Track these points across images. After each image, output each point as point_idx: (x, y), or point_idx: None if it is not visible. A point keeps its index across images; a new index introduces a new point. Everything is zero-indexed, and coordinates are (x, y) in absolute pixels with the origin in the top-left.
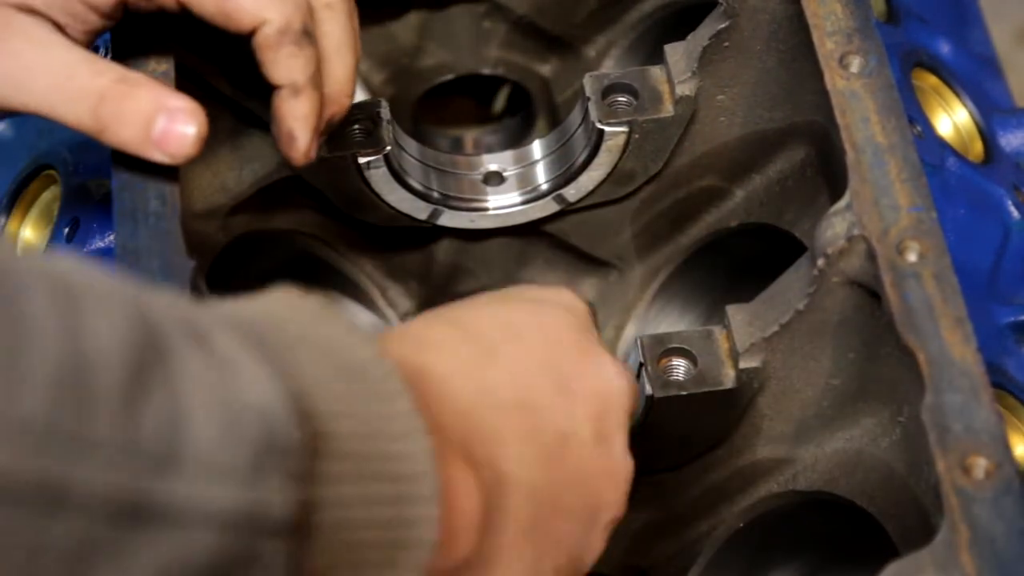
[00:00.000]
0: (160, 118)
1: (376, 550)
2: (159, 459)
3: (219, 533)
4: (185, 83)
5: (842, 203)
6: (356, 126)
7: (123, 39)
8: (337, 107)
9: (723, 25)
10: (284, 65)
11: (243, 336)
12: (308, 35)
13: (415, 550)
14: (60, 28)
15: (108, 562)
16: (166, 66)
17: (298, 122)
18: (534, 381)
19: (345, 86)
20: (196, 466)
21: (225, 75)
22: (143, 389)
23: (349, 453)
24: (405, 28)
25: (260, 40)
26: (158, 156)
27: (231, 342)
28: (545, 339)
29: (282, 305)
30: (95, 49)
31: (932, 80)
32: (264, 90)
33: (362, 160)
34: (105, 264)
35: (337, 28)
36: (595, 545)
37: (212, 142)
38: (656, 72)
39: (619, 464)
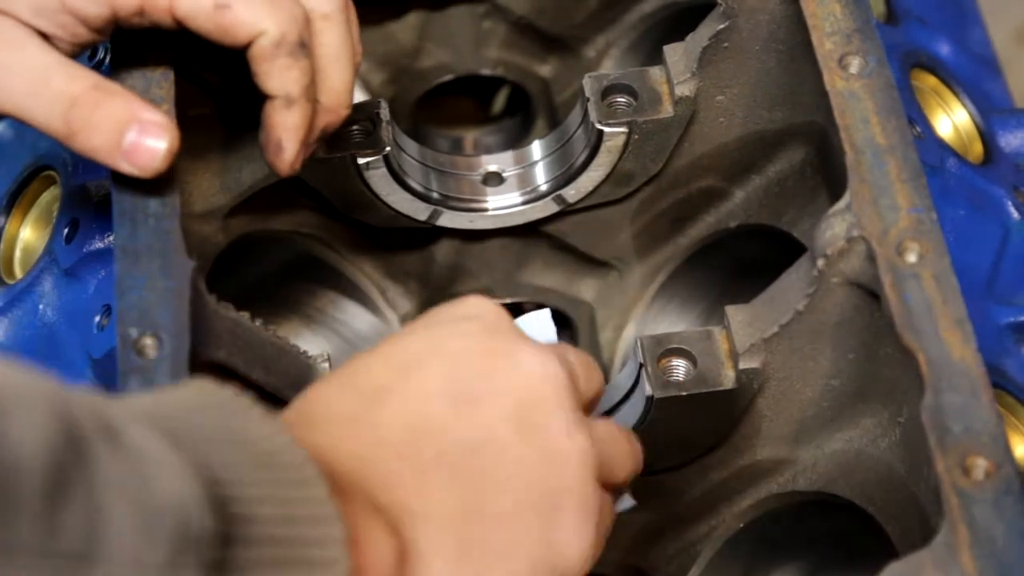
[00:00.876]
0: (131, 129)
1: None
2: (79, 558)
3: None
4: (185, 83)
5: (842, 204)
6: (355, 127)
7: (122, 43)
8: (334, 117)
9: (722, 26)
10: (278, 77)
11: (157, 430)
12: (304, 47)
13: None
14: (47, 39)
15: None
16: (165, 70)
17: (288, 132)
18: (428, 407)
19: (342, 97)
20: (115, 563)
21: (223, 82)
22: (63, 493)
23: (268, 538)
24: (405, 29)
25: (255, 51)
26: (126, 167)
27: (145, 437)
28: (444, 359)
29: (197, 397)
30: (93, 52)
31: (931, 81)
32: (261, 97)
33: (361, 161)
34: (20, 360)
35: (335, 39)
36: (568, 534)
37: (212, 143)
38: (655, 73)
39: (563, 445)
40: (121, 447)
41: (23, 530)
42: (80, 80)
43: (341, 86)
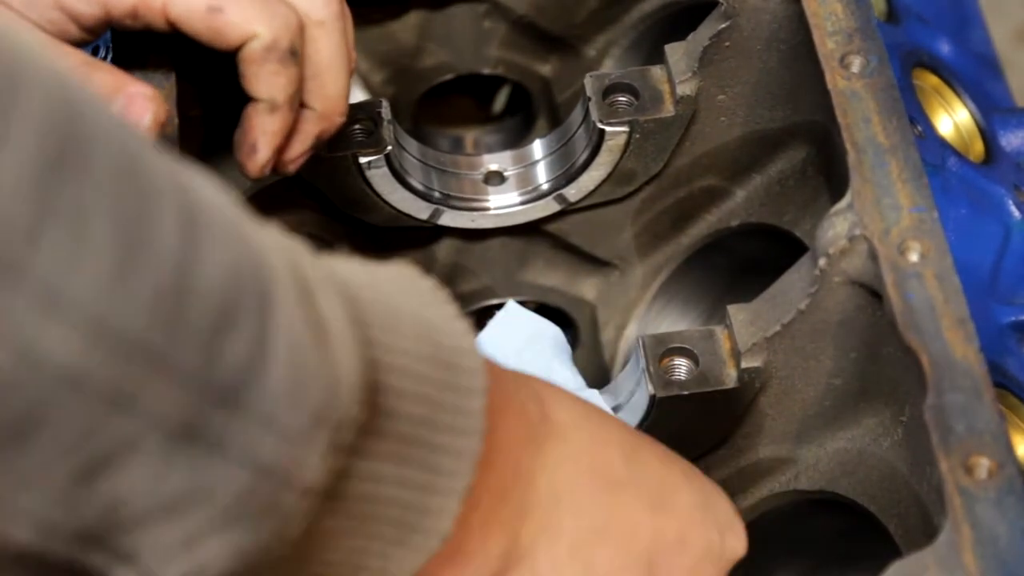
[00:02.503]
0: (117, 100)
1: (392, 527)
2: (225, 394)
3: (252, 475)
4: (185, 83)
5: (843, 203)
6: (357, 126)
7: (124, 42)
8: (328, 124)
9: (724, 25)
10: (265, 82)
11: (346, 301)
12: (294, 55)
13: (428, 537)
14: None
15: (142, 468)
16: (166, 70)
17: (265, 137)
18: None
19: (337, 104)
20: (255, 412)
21: (215, 84)
22: (234, 326)
23: (402, 435)
24: (405, 28)
25: (246, 54)
26: None
27: (332, 305)
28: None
29: (399, 278)
30: (95, 49)
31: (933, 80)
32: (246, 99)
33: (363, 160)
34: (234, 196)
35: (329, 45)
36: None
37: (212, 142)
38: (657, 72)
39: None
40: (307, 305)
41: (187, 350)
42: (69, 56)
43: (335, 93)
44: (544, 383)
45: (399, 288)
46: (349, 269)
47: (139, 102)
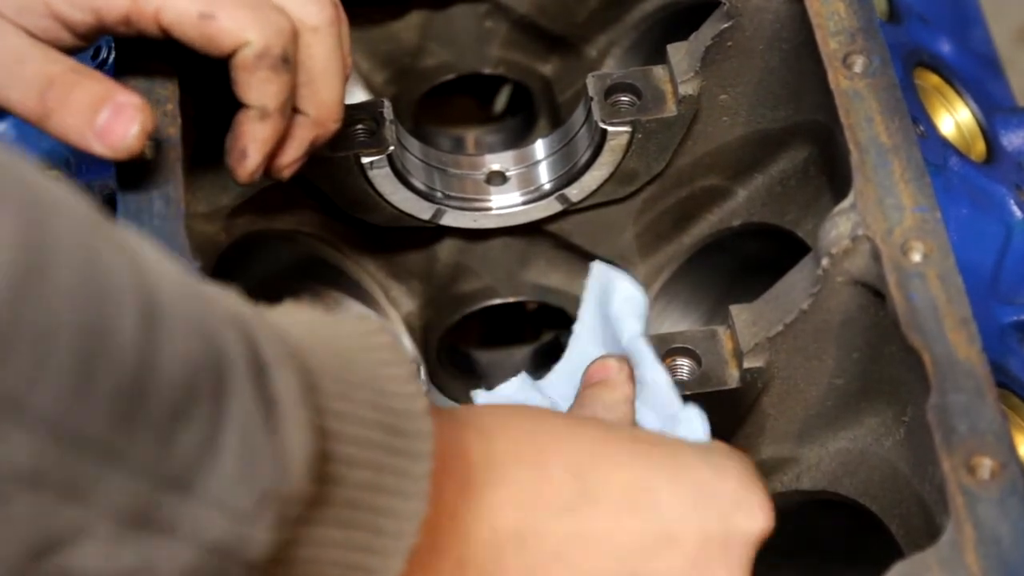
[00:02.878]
0: (105, 109)
1: None
2: (177, 481)
3: (200, 553)
4: (185, 83)
5: (846, 203)
6: (359, 126)
7: (126, 44)
8: (323, 130)
9: (726, 25)
10: (257, 89)
11: (299, 372)
12: (286, 62)
13: None
14: None
15: (92, 548)
16: (169, 71)
17: (255, 143)
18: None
19: (331, 110)
20: (205, 496)
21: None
22: (189, 417)
23: (348, 500)
24: (407, 28)
25: (238, 61)
26: (98, 148)
27: (286, 381)
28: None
29: (359, 335)
30: (97, 49)
31: (934, 79)
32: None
33: (365, 160)
34: (184, 265)
35: (323, 52)
36: None
37: (214, 142)
38: (659, 72)
39: None
40: (261, 386)
41: (142, 443)
42: (58, 63)
43: (329, 99)
44: (491, 409)
45: (358, 344)
46: (305, 323)
47: (127, 112)
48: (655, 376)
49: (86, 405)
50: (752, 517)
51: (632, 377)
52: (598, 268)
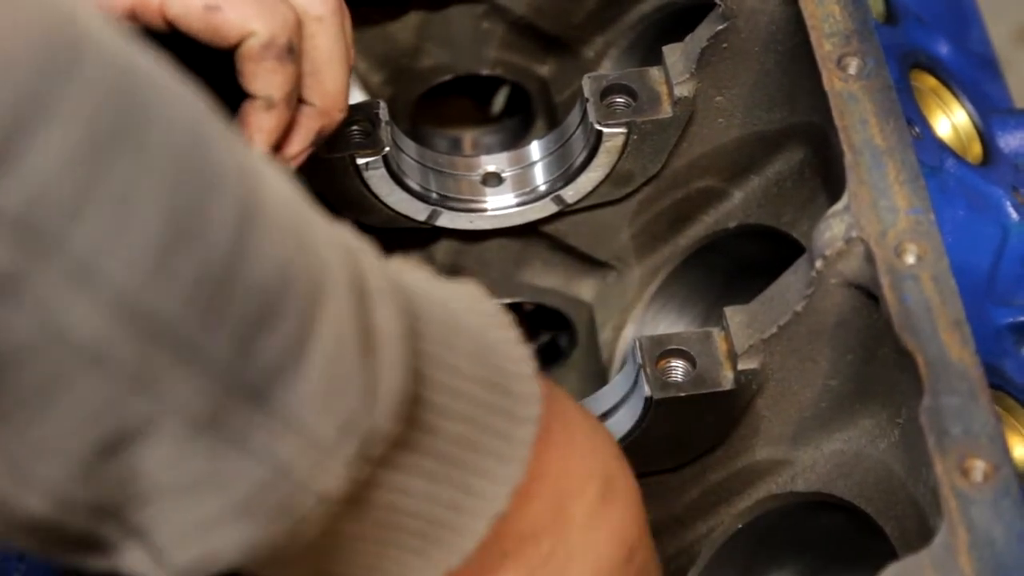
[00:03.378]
0: None
1: (414, 538)
2: (254, 391)
3: (271, 473)
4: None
5: (840, 205)
6: (355, 127)
7: None
8: (328, 120)
9: (721, 27)
10: (263, 79)
11: (403, 313)
12: (292, 52)
13: (449, 552)
14: None
15: (160, 447)
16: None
17: (261, 134)
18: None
19: (336, 99)
20: (282, 413)
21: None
22: (276, 322)
23: (439, 453)
24: (404, 29)
25: (243, 51)
26: None
27: (388, 315)
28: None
29: (465, 297)
30: None
31: (931, 81)
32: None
33: (360, 161)
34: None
35: (328, 41)
36: None
37: None
38: (654, 73)
39: None
40: (360, 312)
41: (221, 341)
42: None
43: (335, 89)
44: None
45: (464, 306)
46: (416, 279)
47: None
48: None
49: (164, 285)
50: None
51: None
52: None
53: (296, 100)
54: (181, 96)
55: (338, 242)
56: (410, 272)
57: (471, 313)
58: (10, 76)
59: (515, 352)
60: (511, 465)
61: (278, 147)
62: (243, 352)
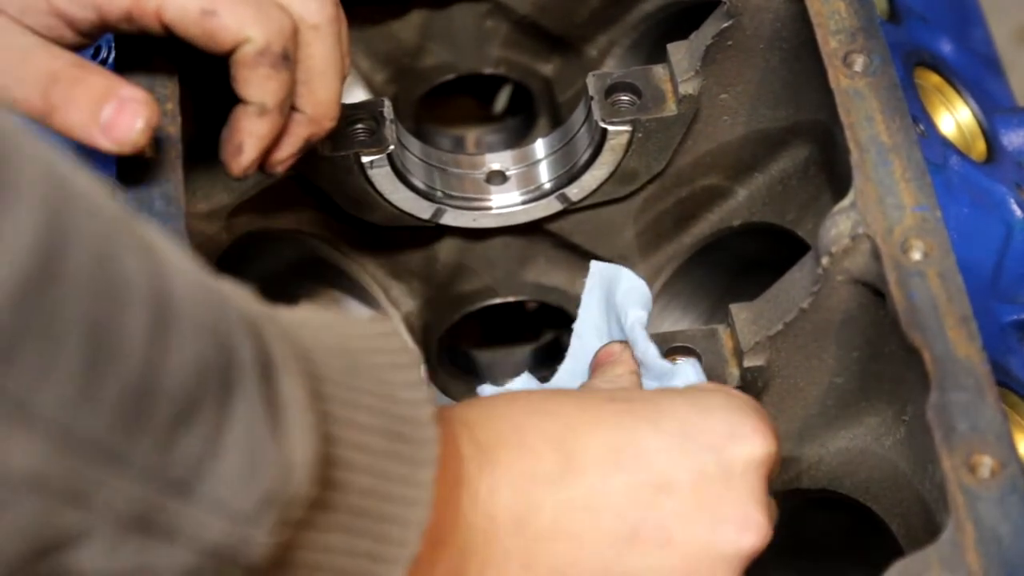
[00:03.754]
0: (110, 105)
1: None
2: (178, 485)
3: (199, 557)
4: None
5: (846, 202)
6: (359, 125)
7: (127, 42)
8: (318, 128)
9: (726, 24)
10: (257, 85)
11: (306, 377)
12: (287, 59)
13: None
14: None
15: (92, 550)
16: (170, 69)
17: (252, 139)
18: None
19: (328, 109)
20: (206, 499)
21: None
22: (193, 420)
23: (351, 507)
24: (407, 27)
25: (238, 57)
26: (104, 143)
27: (293, 385)
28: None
29: (371, 336)
30: (97, 48)
31: (934, 79)
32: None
33: (365, 159)
34: (197, 261)
35: (323, 50)
36: None
37: (213, 140)
38: (659, 71)
39: None
40: (267, 390)
41: (144, 448)
42: (60, 58)
43: (327, 98)
44: (471, 403)
45: (368, 347)
46: (315, 329)
47: (131, 107)
48: (646, 349)
49: (91, 409)
50: (748, 443)
51: (634, 355)
52: (597, 266)
53: (289, 107)
54: (94, 202)
55: (243, 315)
56: (309, 317)
57: (373, 353)
58: None
59: (413, 396)
60: (418, 508)
61: (266, 153)
62: (166, 451)
